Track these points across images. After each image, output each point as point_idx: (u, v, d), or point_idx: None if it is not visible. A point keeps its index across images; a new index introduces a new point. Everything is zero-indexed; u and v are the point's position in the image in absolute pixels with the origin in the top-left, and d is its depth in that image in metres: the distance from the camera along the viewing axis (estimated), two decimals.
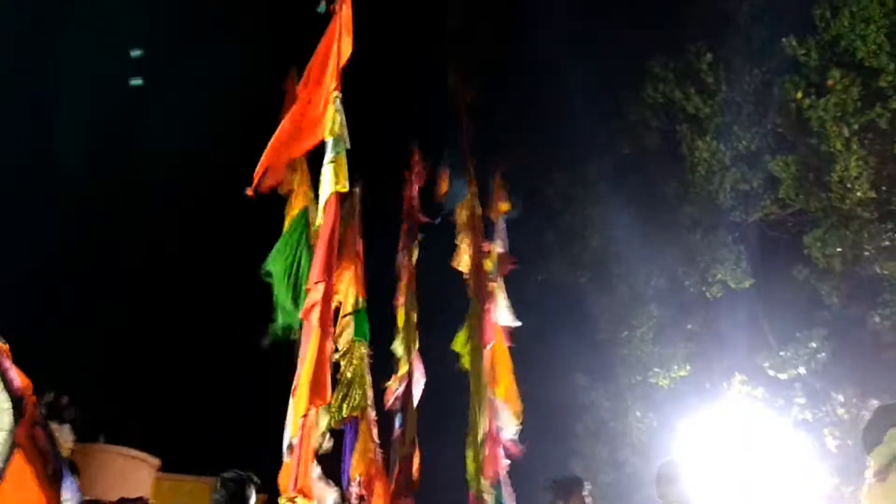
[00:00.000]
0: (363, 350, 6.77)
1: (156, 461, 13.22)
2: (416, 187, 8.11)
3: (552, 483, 3.08)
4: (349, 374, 6.60)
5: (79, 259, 15.91)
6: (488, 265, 7.36)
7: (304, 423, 4.12)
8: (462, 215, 7.59)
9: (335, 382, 6.34)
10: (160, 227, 16.75)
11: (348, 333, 6.79)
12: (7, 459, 2.56)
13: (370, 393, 6.72)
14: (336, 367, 6.46)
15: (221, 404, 16.51)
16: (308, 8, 5.19)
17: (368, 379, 6.73)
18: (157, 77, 14.64)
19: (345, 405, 6.49)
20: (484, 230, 7.66)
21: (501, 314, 7.33)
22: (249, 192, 4.89)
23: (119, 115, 15.15)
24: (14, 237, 12.74)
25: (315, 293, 4.48)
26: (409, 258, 7.78)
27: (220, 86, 14.44)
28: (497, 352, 7.12)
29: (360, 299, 6.95)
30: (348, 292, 6.92)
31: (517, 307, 7.61)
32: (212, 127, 14.32)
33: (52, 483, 2.74)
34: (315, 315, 4.41)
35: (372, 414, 6.70)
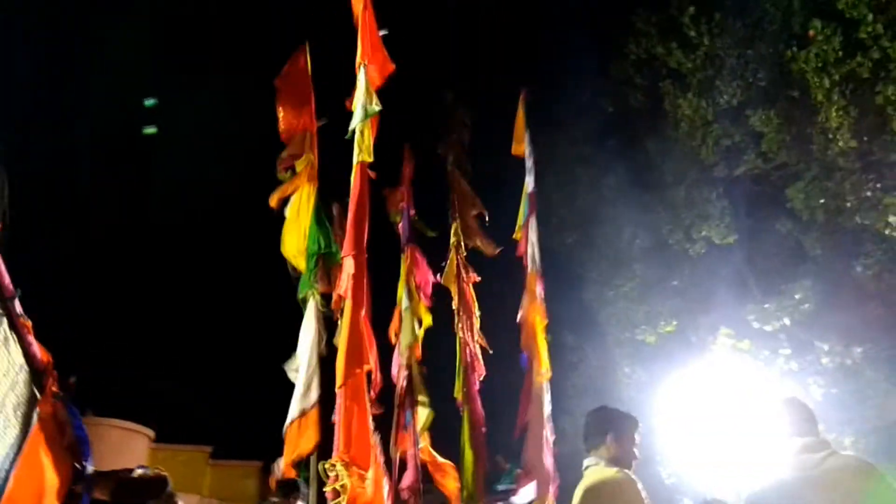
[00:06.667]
0: None
1: (150, 432, 13.27)
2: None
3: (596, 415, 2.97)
4: None
5: (64, 227, 15.83)
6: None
7: (342, 392, 4.23)
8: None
9: None
10: (151, 199, 16.68)
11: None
12: (27, 434, 2.61)
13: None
14: None
15: (213, 374, 16.59)
16: None
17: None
18: None
19: None
20: None
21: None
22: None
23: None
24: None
25: (348, 265, 4.50)
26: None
27: None
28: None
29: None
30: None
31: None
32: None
33: (66, 454, 2.79)
34: (348, 288, 4.47)
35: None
